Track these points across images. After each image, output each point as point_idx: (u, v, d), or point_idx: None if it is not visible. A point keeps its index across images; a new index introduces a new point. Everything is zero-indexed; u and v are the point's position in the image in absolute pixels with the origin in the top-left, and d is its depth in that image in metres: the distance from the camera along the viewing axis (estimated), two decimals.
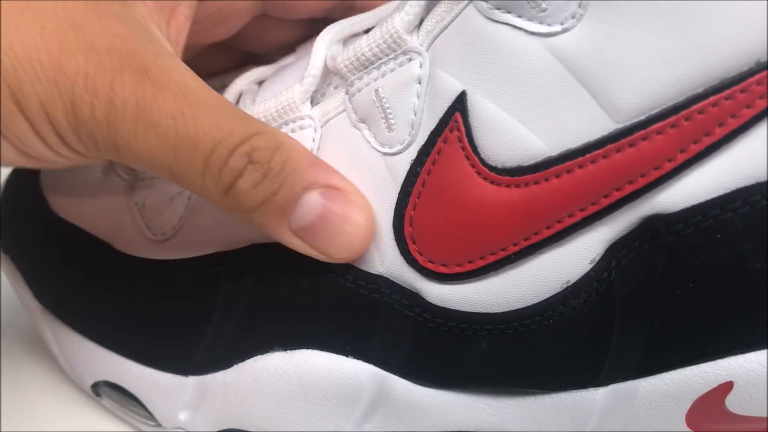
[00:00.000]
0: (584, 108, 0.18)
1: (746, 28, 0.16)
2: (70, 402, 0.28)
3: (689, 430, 0.21)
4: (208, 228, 0.24)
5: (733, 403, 0.20)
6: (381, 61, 0.21)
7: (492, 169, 0.19)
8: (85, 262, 0.25)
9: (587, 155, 0.18)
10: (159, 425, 0.25)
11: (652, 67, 0.17)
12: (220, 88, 0.29)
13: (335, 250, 0.21)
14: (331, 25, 0.24)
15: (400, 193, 0.21)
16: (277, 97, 0.23)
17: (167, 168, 0.20)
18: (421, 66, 0.20)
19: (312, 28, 0.29)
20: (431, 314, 0.21)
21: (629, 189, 0.18)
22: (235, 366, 0.23)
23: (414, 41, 0.21)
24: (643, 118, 0.18)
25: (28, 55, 0.19)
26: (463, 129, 0.20)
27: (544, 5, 0.18)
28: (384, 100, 0.21)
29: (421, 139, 0.20)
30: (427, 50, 0.20)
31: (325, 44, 0.23)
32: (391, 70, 0.21)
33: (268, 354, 0.22)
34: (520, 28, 0.18)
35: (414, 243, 0.21)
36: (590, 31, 0.18)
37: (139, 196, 0.25)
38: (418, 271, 0.21)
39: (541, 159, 0.19)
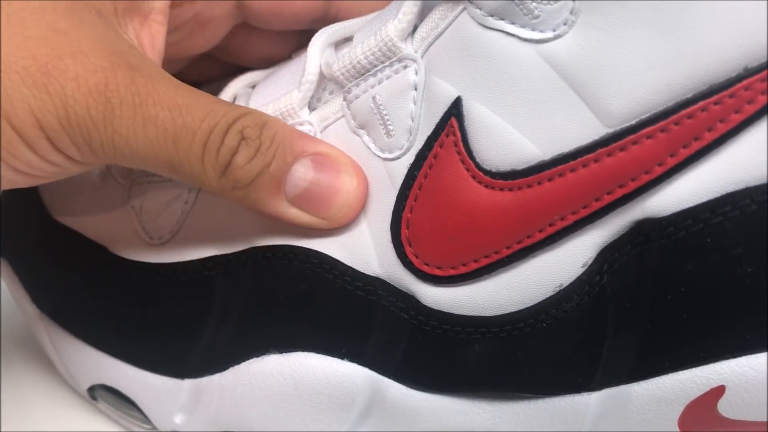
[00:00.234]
0: (576, 113, 0.18)
1: (734, 35, 0.17)
2: (66, 405, 0.28)
3: None
4: (205, 231, 0.24)
5: (726, 408, 0.20)
6: (377, 69, 0.21)
7: (486, 173, 0.20)
8: (82, 267, 0.25)
9: (579, 159, 0.18)
10: (155, 428, 0.25)
11: (642, 72, 0.17)
12: (215, 93, 0.30)
13: (330, 213, 0.21)
14: (322, 30, 0.24)
15: (398, 197, 0.21)
16: (276, 103, 0.23)
17: (167, 160, 0.21)
18: (416, 73, 0.21)
19: (299, 41, 0.29)
20: (426, 317, 0.21)
21: (620, 193, 0.18)
22: (230, 369, 0.23)
23: (408, 48, 0.21)
24: (633, 122, 0.18)
25: (14, 64, 0.19)
26: (458, 134, 0.20)
27: (536, 12, 0.18)
28: (382, 107, 0.21)
29: (419, 144, 0.21)
30: (422, 57, 0.21)
31: (318, 49, 0.23)
32: (387, 78, 0.21)
33: (263, 357, 0.23)
34: (513, 35, 0.19)
35: (410, 245, 0.21)
36: (581, 37, 0.18)
37: (136, 200, 0.25)
38: (414, 273, 0.21)
39: (534, 163, 0.19)
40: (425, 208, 0.20)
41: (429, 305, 0.21)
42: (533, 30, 0.19)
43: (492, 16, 0.19)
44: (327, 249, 0.22)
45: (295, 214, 0.21)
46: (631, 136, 0.18)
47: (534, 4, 0.18)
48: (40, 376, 0.29)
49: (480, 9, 0.19)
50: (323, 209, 0.21)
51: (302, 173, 0.21)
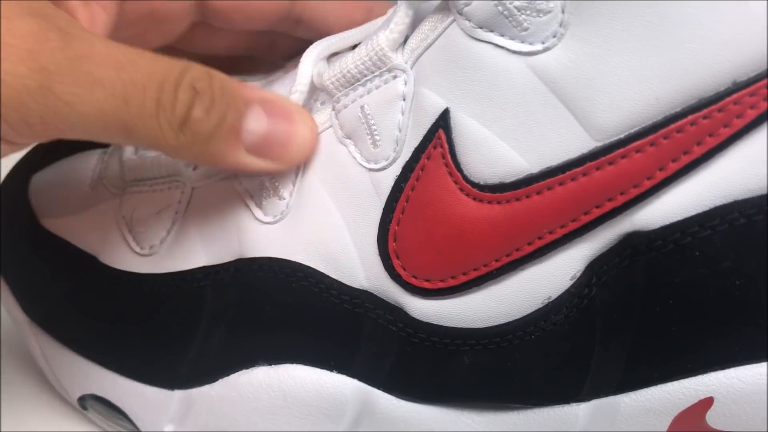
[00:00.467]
0: (565, 126, 0.18)
1: (723, 49, 0.17)
2: (56, 414, 0.28)
3: None
4: (194, 242, 0.24)
5: (714, 419, 0.20)
6: (366, 78, 0.21)
7: (474, 185, 0.19)
8: (72, 276, 0.25)
9: (568, 173, 0.18)
10: None
11: (631, 86, 0.17)
12: None
13: (287, 157, 0.22)
14: (317, 42, 0.24)
15: (384, 209, 0.21)
16: None
17: (119, 122, 0.19)
18: (405, 83, 0.21)
19: (266, 37, 0.28)
20: (414, 329, 0.21)
21: (609, 206, 0.18)
22: (220, 380, 0.23)
23: (399, 59, 0.21)
24: (622, 136, 0.18)
25: None
26: (446, 146, 0.20)
27: (525, 25, 0.18)
28: (369, 116, 0.21)
29: (406, 156, 0.21)
30: (411, 68, 0.21)
31: (312, 60, 0.23)
32: (377, 87, 0.21)
33: (252, 368, 0.23)
34: (502, 47, 0.19)
35: (398, 258, 0.21)
36: (570, 50, 0.18)
37: (126, 210, 0.25)
38: (402, 286, 0.21)
39: (522, 176, 0.19)
40: (413, 221, 0.20)
41: (417, 318, 0.21)
42: (522, 42, 0.18)
43: (481, 28, 0.19)
44: (312, 262, 0.22)
45: (255, 162, 0.22)
46: (620, 150, 0.18)
47: (523, 16, 0.18)
48: (30, 385, 0.29)
49: (469, 21, 0.19)
50: (280, 154, 0.22)
51: (257, 121, 0.21)
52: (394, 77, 0.21)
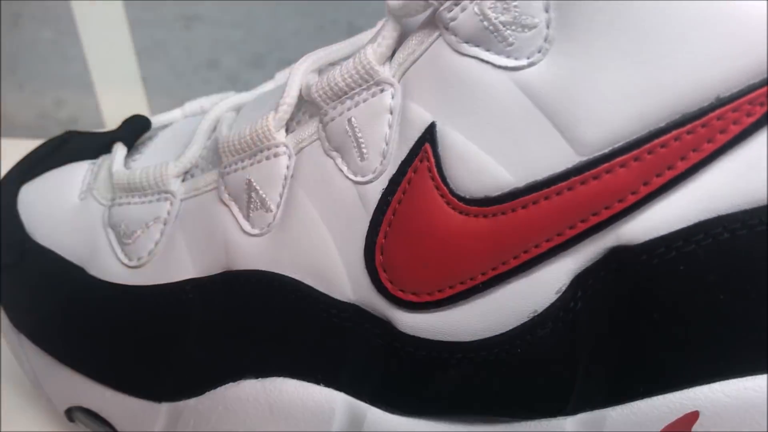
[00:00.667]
0: (549, 141, 0.18)
1: (706, 65, 0.17)
2: (44, 425, 0.28)
3: None
4: (182, 254, 0.24)
5: None
6: (354, 92, 0.21)
7: (461, 199, 0.20)
8: (60, 287, 0.25)
9: (553, 187, 0.18)
10: None
11: (615, 101, 0.17)
12: (199, 114, 0.30)
13: None
14: (308, 55, 0.24)
15: (371, 222, 0.21)
16: (252, 125, 0.23)
17: None
18: (392, 97, 0.21)
19: None
20: (402, 343, 0.21)
21: (594, 220, 0.18)
22: (207, 393, 0.23)
23: (386, 72, 0.21)
24: (606, 151, 0.18)
25: None
26: (432, 159, 0.20)
27: (511, 40, 0.18)
28: (357, 129, 0.21)
29: (392, 169, 0.21)
30: (398, 81, 0.21)
31: (301, 73, 0.23)
32: (364, 101, 0.21)
33: (240, 381, 0.23)
34: (488, 62, 0.19)
35: (385, 272, 0.21)
36: (555, 65, 0.18)
37: (115, 222, 0.25)
38: (389, 299, 0.21)
39: (507, 190, 0.19)
40: (400, 234, 0.20)
41: (405, 331, 0.21)
42: (508, 57, 0.19)
43: (467, 42, 0.19)
44: (299, 275, 0.22)
45: None
46: (605, 165, 0.18)
47: (509, 31, 0.18)
48: (17, 396, 0.29)
49: (455, 36, 0.19)
50: None
51: None
52: (382, 91, 0.21)
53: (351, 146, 0.21)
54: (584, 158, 0.18)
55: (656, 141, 0.17)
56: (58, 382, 0.26)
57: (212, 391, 0.23)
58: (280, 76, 0.29)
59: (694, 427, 0.20)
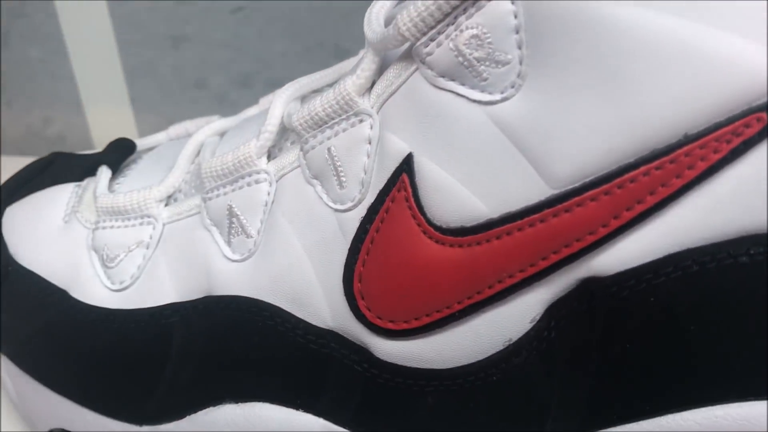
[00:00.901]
0: (522, 174, 0.19)
1: (674, 103, 0.17)
2: None
3: None
4: (165, 279, 0.24)
5: None
6: (334, 121, 0.22)
7: (437, 228, 0.20)
8: (42, 309, 0.26)
9: (526, 219, 0.19)
10: None
11: (586, 137, 0.18)
12: (184, 137, 0.30)
13: None
14: (291, 83, 0.24)
15: (350, 249, 0.21)
16: (235, 151, 0.24)
17: None
18: (371, 127, 0.21)
19: None
20: (379, 370, 0.21)
21: (566, 252, 0.19)
22: (187, 417, 0.23)
23: (365, 103, 0.21)
24: (578, 185, 0.18)
25: None
26: (410, 189, 0.20)
27: (485, 75, 0.19)
28: (336, 158, 0.22)
29: (371, 197, 0.21)
30: (377, 112, 0.21)
31: (284, 101, 0.24)
32: (344, 130, 0.22)
33: (219, 406, 0.23)
34: (463, 96, 0.19)
35: (363, 299, 0.21)
36: (528, 100, 0.18)
37: (98, 245, 0.25)
38: (367, 326, 0.21)
39: (483, 221, 0.19)
40: (378, 263, 0.21)
41: (382, 358, 0.21)
42: (482, 92, 0.19)
43: (443, 77, 0.19)
44: (278, 301, 0.22)
45: None
46: (576, 198, 0.18)
47: (483, 66, 0.19)
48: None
49: (432, 70, 0.20)
50: None
51: None
52: (361, 121, 0.21)
53: (330, 174, 0.22)
54: (556, 191, 0.18)
55: (626, 176, 0.18)
56: (40, 403, 0.26)
57: (192, 415, 0.23)
58: (264, 102, 0.29)
59: None
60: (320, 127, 0.22)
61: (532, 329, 0.20)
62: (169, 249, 0.24)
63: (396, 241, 0.20)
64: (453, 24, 0.19)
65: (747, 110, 0.17)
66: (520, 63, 0.18)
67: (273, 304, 0.22)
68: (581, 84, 0.18)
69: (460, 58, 0.19)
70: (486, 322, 0.20)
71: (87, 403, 0.25)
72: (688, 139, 0.17)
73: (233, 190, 0.23)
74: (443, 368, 0.21)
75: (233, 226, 0.23)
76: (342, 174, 0.21)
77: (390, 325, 0.21)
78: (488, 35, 0.18)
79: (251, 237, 0.23)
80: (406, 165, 0.20)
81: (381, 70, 0.22)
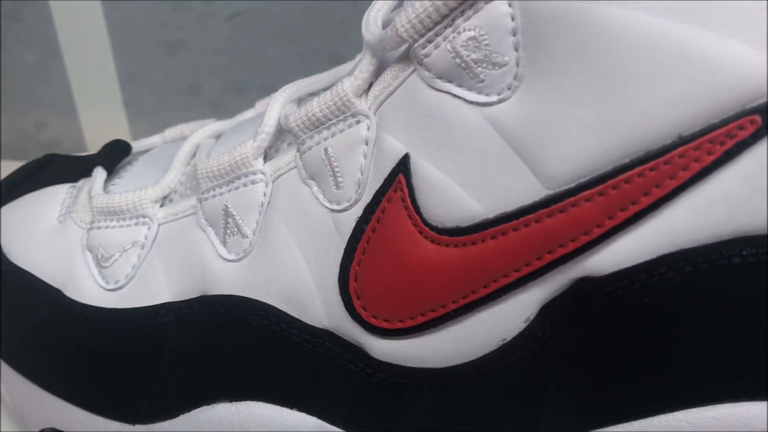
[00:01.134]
0: (518, 174, 0.19)
1: (668, 104, 0.17)
2: None
3: None
4: (159, 278, 0.24)
5: None
6: (331, 122, 0.22)
7: (433, 228, 0.20)
8: (36, 309, 0.25)
9: (521, 219, 0.19)
10: None
11: (581, 138, 0.18)
12: (179, 140, 0.30)
13: None
14: (288, 85, 0.24)
15: (346, 249, 0.21)
16: (231, 152, 0.24)
17: None
18: (368, 128, 0.21)
19: None
20: (374, 369, 0.21)
21: (560, 252, 0.19)
22: (180, 416, 0.23)
23: (362, 105, 0.22)
24: (572, 185, 0.18)
25: None
26: (406, 190, 0.20)
27: (482, 77, 0.19)
28: (333, 158, 0.22)
29: (367, 198, 0.21)
30: (374, 113, 0.21)
31: (281, 103, 0.24)
32: (341, 131, 0.22)
33: (213, 405, 0.23)
34: (460, 97, 0.19)
35: (358, 298, 0.21)
36: (524, 102, 0.19)
37: (93, 245, 0.25)
38: (362, 325, 0.21)
39: (478, 221, 0.19)
40: (373, 262, 0.21)
41: (377, 357, 0.21)
42: (479, 93, 0.19)
43: (440, 78, 0.20)
44: (273, 301, 0.22)
45: None
46: (571, 199, 0.18)
47: (480, 68, 0.19)
48: None
49: (429, 71, 0.20)
50: None
51: None
52: (358, 122, 0.21)
53: (327, 175, 0.22)
54: (551, 192, 0.19)
55: (621, 176, 0.18)
56: (32, 403, 0.26)
57: (186, 415, 0.23)
58: (261, 105, 0.29)
59: None
60: (317, 128, 0.22)
61: (526, 329, 0.20)
62: (164, 249, 0.24)
63: (392, 241, 0.21)
64: (450, 26, 0.19)
65: (740, 112, 0.17)
66: (517, 65, 0.19)
67: (268, 304, 0.22)
68: (577, 85, 0.18)
69: (458, 60, 0.19)
70: (480, 322, 0.20)
71: (79, 403, 0.25)
72: (682, 141, 0.18)
73: (229, 191, 0.24)
74: (438, 367, 0.21)
75: (229, 226, 0.23)
76: (339, 174, 0.22)
77: (385, 325, 0.21)
78: (485, 37, 0.19)
79: (247, 237, 0.23)
80: (403, 165, 0.20)
81: (378, 71, 0.22)
